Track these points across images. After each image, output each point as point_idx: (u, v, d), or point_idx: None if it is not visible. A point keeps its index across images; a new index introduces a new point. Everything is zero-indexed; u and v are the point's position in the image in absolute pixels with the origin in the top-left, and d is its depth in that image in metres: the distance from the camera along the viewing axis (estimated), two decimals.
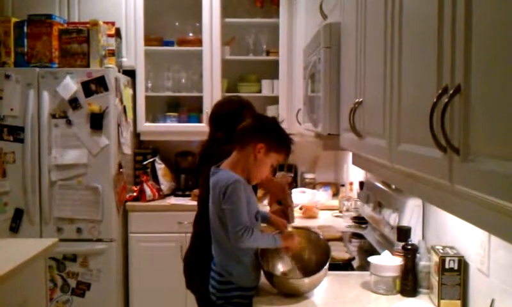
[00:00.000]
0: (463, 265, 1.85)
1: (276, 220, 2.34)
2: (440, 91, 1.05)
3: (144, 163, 4.28)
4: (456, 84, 1.00)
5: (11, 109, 3.68)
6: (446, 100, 1.01)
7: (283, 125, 2.31)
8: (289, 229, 2.33)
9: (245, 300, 2.14)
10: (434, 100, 1.05)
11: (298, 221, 3.40)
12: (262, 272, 2.18)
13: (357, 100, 1.90)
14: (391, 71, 1.49)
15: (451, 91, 1.00)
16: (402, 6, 1.40)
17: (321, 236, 2.37)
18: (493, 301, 1.56)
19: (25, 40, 3.77)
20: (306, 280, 2.07)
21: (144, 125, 4.30)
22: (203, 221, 2.63)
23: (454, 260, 1.86)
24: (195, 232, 2.71)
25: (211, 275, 2.23)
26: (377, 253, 2.35)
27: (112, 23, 4.03)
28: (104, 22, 3.89)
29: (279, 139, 2.21)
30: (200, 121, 4.27)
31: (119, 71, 4.00)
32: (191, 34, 4.38)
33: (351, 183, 3.82)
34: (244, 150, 2.17)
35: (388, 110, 1.52)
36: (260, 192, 3.99)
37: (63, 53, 3.77)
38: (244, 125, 2.23)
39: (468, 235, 1.84)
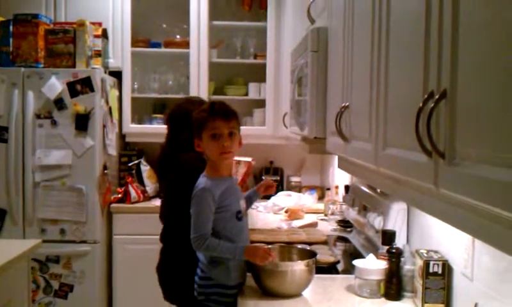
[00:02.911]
0: (447, 269, 1.87)
1: (260, 185, 2.48)
2: (426, 96, 1.06)
3: (130, 164, 4.26)
4: (442, 89, 1.01)
5: None
6: (432, 105, 1.02)
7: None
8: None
9: (225, 299, 2.14)
10: (420, 104, 1.06)
11: (284, 225, 3.41)
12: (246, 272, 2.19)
13: (344, 104, 1.91)
14: (377, 75, 1.50)
15: (437, 96, 1.01)
16: (390, 11, 1.41)
17: (307, 248, 2.39)
18: (476, 306, 1.58)
19: (11, 40, 3.73)
20: (296, 266, 2.09)
21: (130, 127, 4.28)
22: (170, 236, 2.64)
23: (438, 264, 1.87)
24: (163, 247, 2.71)
25: (196, 270, 2.25)
26: (362, 257, 2.36)
27: (99, 24, 4.01)
28: (91, 23, 3.87)
29: (196, 122, 2.21)
30: None
31: (105, 72, 3.97)
32: (178, 36, 4.38)
33: (337, 187, 3.83)
34: (197, 151, 2.24)
35: (375, 115, 1.53)
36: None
37: (49, 53, 3.74)
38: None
39: (453, 239, 1.86)
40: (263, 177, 4.44)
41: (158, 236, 3.82)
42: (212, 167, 2.21)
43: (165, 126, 2.80)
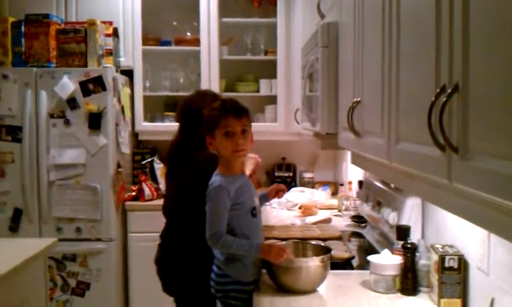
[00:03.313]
0: (462, 263, 1.85)
1: (271, 189, 2.51)
2: (438, 90, 1.05)
3: (143, 162, 4.28)
4: (454, 83, 1.00)
5: (9, 109, 3.67)
6: (444, 99, 1.01)
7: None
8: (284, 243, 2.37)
9: (243, 295, 2.15)
10: (433, 98, 1.05)
11: (298, 221, 3.41)
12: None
13: (355, 99, 1.90)
14: (389, 70, 1.49)
15: (449, 90, 1.00)
16: (400, 5, 1.40)
17: (322, 244, 2.38)
18: (493, 300, 1.56)
19: (23, 40, 3.76)
20: (310, 262, 2.10)
21: (143, 125, 4.30)
22: (174, 231, 2.63)
23: (453, 259, 1.86)
24: (163, 242, 2.69)
25: (212, 267, 2.25)
26: (377, 252, 2.35)
27: (110, 23, 4.03)
28: (102, 22, 3.88)
29: (208, 120, 2.21)
30: None
31: (117, 71, 3.99)
32: (188, 34, 4.38)
33: (350, 182, 3.82)
34: (212, 150, 2.25)
35: (387, 109, 1.52)
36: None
37: (61, 53, 3.77)
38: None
39: (468, 233, 1.84)
40: (275, 174, 4.45)
41: None
42: (225, 164, 2.21)
43: (177, 122, 2.75)
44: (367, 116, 1.80)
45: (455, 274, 1.85)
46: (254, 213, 2.20)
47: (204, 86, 4.20)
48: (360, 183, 3.41)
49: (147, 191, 4.05)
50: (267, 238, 2.57)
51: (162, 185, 4.22)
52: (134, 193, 4.06)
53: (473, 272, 1.82)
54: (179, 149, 2.64)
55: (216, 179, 2.18)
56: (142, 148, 4.43)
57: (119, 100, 3.88)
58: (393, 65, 1.45)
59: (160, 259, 2.66)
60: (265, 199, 2.51)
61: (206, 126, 2.22)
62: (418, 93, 1.24)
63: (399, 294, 2.05)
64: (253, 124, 2.28)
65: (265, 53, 4.39)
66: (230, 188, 2.12)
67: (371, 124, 1.74)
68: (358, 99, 1.88)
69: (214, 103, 2.28)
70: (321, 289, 2.12)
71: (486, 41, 0.90)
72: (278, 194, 2.53)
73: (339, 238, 2.91)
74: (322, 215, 3.55)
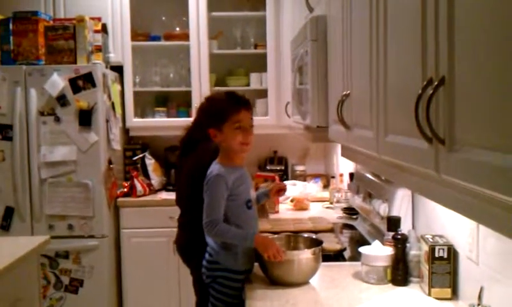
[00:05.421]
0: (452, 253, 1.87)
1: (272, 187, 2.50)
2: (424, 83, 1.06)
3: (134, 158, 4.27)
4: (441, 76, 1.01)
5: None
6: (431, 92, 1.02)
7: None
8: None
9: (233, 283, 2.17)
10: (420, 91, 1.07)
11: (290, 214, 3.42)
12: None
13: (345, 93, 1.91)
14: (377, 63, 1.50)
15: (436, 83, 1.02)
16: None
17: (313, 237, 2.40)
18: (482, 289, 1.58)
19: (11, 38, 3.73)
20: (302, 255, 2.12)
21: (133, 121, 4.29)
22: (185, 217, 2.71)
23: (443, 249, 1.88)
24: (179, 225, 2.79)
25: (204, 255, 2.29)
26: (368, 243, 2.37)
27: (99, 19, 4.01)
28: (90, 18, 3.86)
29: (215, 113, 2.23)
30: (188, 115, 4.25)
31: (106, 67, 3.98)
32: (177, 29, 4.37)
33: (341, 175, 3.84)
34: (214, 141, 2.27)
35: (375, 102, 1.53)
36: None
37: (50, 50, 3.75)
38: None
39: (457, 223, 1.86)
40: (267, 167, 4.46)
41: (164, 229, 3.87)
42: (226, 155, 2.23)
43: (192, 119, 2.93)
44: (356, 108, 1.81)
45: (445, 263, 1.88)
46: (249, 205, 2.22)
47: (194, 80, 4.21)
48: (351, 175, 3.43)
49: (139, 187, 4.05)
50: (260, 232, 2.59)
51: (154, 181, 4.22)
52: (125, 189, 4.05)
53: (463, 262, 1.84)
54: (188, 140, 2.74)
55: (215, 168, 2.20)
56: (133, 143, 4.42)
57: (109, 97, 3.87)
58: (381, 58, 1.46)
59: (179, 239, 2.79)
60: (266, 197, 2.52)
61: (212, 118, 2.23)
62: (405, 85, 1.25)
63: (390, 285, 2.07)
64: None
65: (255, 46, 4.39)
66: (228, 178, 2.15)
67: (360, 117, 1.75)
68: (348, 92, 1.89)
69: (215, 95, 2.30)
70: (313, 281, 2.14)
71: (471, 34, 0.91)
72: (279, 193, 2.54)
73: (331, 230, 2.93)
74: (313, 208, 3.56)
